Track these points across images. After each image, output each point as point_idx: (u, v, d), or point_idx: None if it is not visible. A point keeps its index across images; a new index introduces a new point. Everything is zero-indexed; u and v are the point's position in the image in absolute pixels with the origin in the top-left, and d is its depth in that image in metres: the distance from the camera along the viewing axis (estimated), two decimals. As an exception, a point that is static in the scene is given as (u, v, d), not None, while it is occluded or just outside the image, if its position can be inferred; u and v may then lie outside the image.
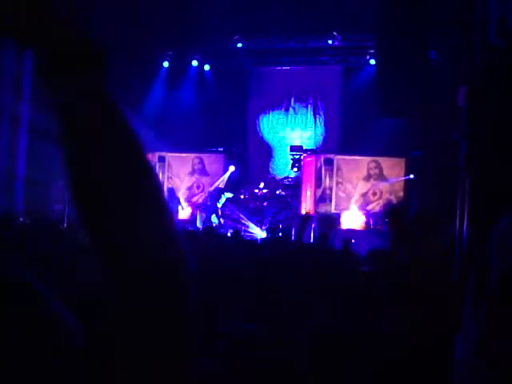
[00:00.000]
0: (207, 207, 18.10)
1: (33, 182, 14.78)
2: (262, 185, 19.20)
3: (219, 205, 17.68)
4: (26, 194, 15.04)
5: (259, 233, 16.43)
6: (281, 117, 20.38)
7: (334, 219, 16.54)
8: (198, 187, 20.06)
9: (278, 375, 3.44)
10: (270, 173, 20.15)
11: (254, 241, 11.00)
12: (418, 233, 6.69)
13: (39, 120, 14.66)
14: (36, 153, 14.68)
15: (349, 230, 15.41)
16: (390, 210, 9.93)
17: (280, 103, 20.37)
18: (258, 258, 7.27)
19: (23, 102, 14.96)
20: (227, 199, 17.89)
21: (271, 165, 20.30)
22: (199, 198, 19.66)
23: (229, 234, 13.48)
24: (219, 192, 18.01)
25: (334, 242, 12.54)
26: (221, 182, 18.80)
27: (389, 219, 8.99)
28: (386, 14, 13.03)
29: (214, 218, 17.17)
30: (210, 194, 18.32)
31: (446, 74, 13.06)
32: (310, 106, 20.04)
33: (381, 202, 17.79)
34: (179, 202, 19.17)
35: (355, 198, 17.69)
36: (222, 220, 17.40)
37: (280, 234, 15.54)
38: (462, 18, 11.59)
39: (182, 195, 19.65)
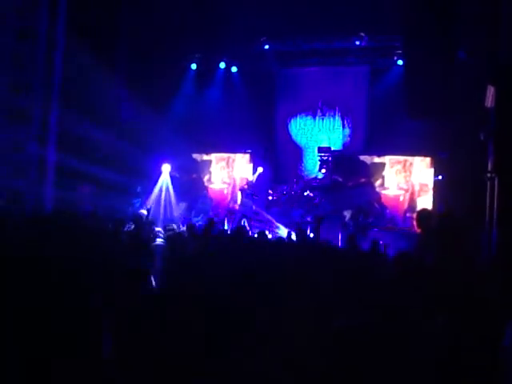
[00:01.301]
0: (238, 210, 18.19)
1: (61, 185, 14.97)
2: (290, 186, 19.23)
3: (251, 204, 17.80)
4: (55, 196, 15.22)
5: (286, 234, 16.43)
6: (309, 118, 20.37)
7: None
8: (227, 189, 20.29)
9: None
10: (298, 174, 20.16)
11: (280, 241, 11.00)
12: (443, 235, 6.70)
13: (68, 124, 14.87)
14: (65, 155, 14.86)
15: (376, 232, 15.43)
16: (419, 213, 9.92)
17: (308, 104, 20.36)
18: (284, 259, 7.31)
19: (53, 108, 15.14)
20: (254, 200, 17.96)
21: (300, 166, 20.32)
22: (228, 200, 19.84)
23: (256, 235, 13.54)
24: (248, 194, 18.09)
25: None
26: (249, 183, 18.87)
27: (419, 223, 9.01)
28: (413, 15, 13.00)
29: (243, 221, 17.23)
30: (243, 194, 18.42)
31: (474, 74, 13.01)
32: (337, 106, 20.01)
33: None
34: (211, 203, 19.42)
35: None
36: (248, 223, 17.40)
37: (311, 235, 15.57)
38: (490, 17, 11.56)
39: (212, 197, 19.95)
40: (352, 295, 4.78)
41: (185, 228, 11.36)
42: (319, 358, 3.79)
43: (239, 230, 10.96)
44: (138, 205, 17.28)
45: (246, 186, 18.66)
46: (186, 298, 4.33)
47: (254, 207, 17.89)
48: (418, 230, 9.13)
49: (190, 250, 7.89)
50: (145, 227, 10.36)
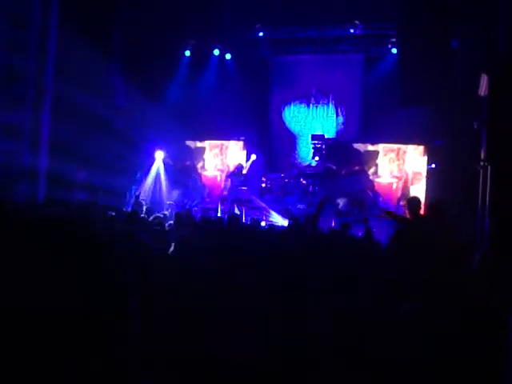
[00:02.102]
0: (228, 197, 18.20)
1: (56, 171, 14.96)
2: (283, 174, 19.27)
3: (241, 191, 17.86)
4: (49, 183, 15.21)
5: (281, 221, 16.50)
6: (302, 106, 20.42)
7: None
8: (220, 176, 20.32)
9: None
10: (292, 162, 20.21)
11: (274, 228, 11.05)
12: (432, 221, 6.77)
13: (63, 104, 14.84)
14: (59, 141, 14.85)
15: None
16: (409, 200, 10.03)
17: (302, 92, 20.39)
18: (279, 246, 7.35)
19: (46, 95, 15.12)
20: (241, 191, 18.01)
21: (293, 154, 20.37)
22: (222, 188, 19.87)
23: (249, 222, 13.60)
24: (238, 180, 18.14)
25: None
26: (242, 170, 18.89)
27: (408, 210, 9.09)
28: (407, 4, 13.04)
29: (235, 209, 17.28)
30: (231, 181, 18.46)
31: (468, 62, 13.06)
32: (331, 94, 20.05)
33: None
34: (203, 189, 19.47)
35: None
36: (240, 210, 17.42)
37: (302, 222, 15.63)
38: (484, 6, 11.59)
39: (205, 184, 20.01)
40: (347, 279, 4.84)
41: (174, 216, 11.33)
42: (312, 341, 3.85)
43: (231, 218, 10.97)
44: (133, 192, 17.30)
45: (235, 171, 18.71)
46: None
47: (242, 194, 17.92)
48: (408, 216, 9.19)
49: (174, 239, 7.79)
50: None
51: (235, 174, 18.50)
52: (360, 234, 11.67)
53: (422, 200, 16.76)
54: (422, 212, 8.96)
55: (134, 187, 17.45)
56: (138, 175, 17.74)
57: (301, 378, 3.68)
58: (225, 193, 19.12)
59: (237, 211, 17.19)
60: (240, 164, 19.11)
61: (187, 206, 17.58)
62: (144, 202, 15.38)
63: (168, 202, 17.91)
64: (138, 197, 15.96)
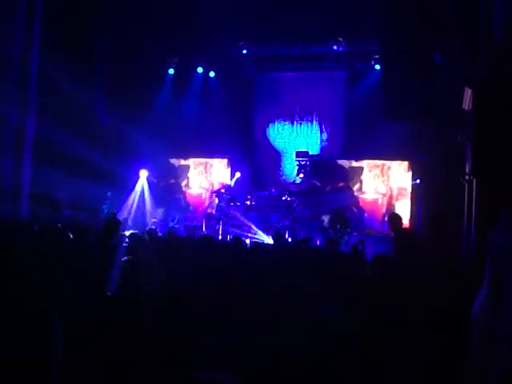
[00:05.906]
0: (214, 214, 18.10)
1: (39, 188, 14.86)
2: (268, 191, 19.18)
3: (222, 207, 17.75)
4: (33, 202, 15.08)
5: (265, 239, 16.40)
6: (286, 123, 20.38)
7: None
8: (205, 194, 20.27)
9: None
10: (276, 179, 20.13)
11: (258, 246, 10.93)
12: (430, 237, 6.72)
13: (45, 129, 14.73)
14: (43, 158, 14.77)
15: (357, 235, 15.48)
16: (391, 215, 10.05)
17: (285, 109, 20.37)
18: (264, 263, 7.26)
19: (29, 115, 15.02)
20: (232, 205, 17.89)
21: (278, 171, 20.29)
22: (206, 205, 19.80)
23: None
24: (225, 199, 18.04)
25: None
26: (227, 187, 18.79)
27: (391, 224, 9.07)
28: (390, 20, 13.05)
29: (220, 227, 17.21)
30: (220, 198, 18.36)
31: (452, 77, 13.07)
32: (315, 111, 20.03)
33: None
34: (187, 208, 19.39)
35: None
36: (225, 227, 17.32)
37: (289, 240, 15.54)
38: (467, 20, 11.62)
39: (190, 202, 19.95)
40: (332, 292, 4.77)
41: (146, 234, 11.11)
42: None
43: (206, 238, 10.81)
44: (106, 211, 17.08)
45: (222, 190, 18.59)
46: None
47: (231, 211, 17.84)
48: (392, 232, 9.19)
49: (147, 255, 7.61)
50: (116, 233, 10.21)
51: (223, 194, 18.32)
52: (346, 251, 11.59)
53: (408, 215, 16.91)
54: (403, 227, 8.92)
55: (104, 206, 17.22)
56: (109, 194, 17.50)
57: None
58: (209, 210, 19.01)
59: (221, 229, 17.13)
60: (227, 184, 18.97)
61: (170, 224, 17.51)
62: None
63: (152, 220, 17.81)
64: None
